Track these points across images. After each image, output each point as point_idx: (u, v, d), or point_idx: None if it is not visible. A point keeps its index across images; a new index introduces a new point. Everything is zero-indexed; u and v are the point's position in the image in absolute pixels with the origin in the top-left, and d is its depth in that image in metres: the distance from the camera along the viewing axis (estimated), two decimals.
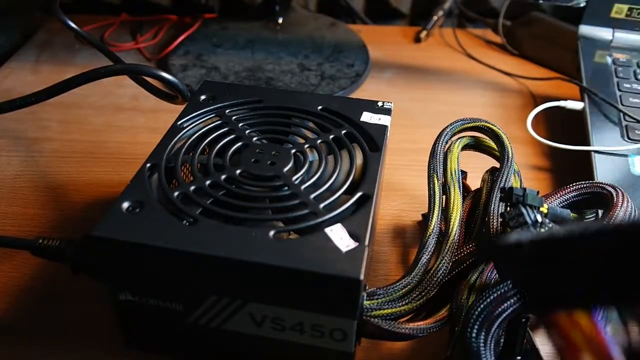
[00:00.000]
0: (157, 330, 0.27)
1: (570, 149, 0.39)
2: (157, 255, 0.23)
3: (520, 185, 0.30)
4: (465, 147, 0.32)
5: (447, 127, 0.32)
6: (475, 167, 0.32)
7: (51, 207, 0.37)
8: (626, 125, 0.41)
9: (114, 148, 0.43)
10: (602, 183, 0.28)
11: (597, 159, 0.37)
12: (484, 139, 0.32)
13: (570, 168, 0.41)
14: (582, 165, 0.38)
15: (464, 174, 0.32)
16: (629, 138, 0.39)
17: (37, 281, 0.32)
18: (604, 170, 0.36)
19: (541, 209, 0.23)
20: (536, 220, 0.22)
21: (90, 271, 0.27)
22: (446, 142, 0.31)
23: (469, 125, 0.31)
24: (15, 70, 0.52)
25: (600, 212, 0.29)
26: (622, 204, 0.25)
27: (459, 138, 0.32)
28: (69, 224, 0.35)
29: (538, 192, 0.24)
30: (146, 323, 0.27)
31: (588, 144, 0.39)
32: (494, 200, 0.27)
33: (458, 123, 0.32)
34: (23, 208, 0.37)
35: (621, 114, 0.41)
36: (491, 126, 0.31)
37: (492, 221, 0.26)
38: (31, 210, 0.36)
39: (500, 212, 0.26)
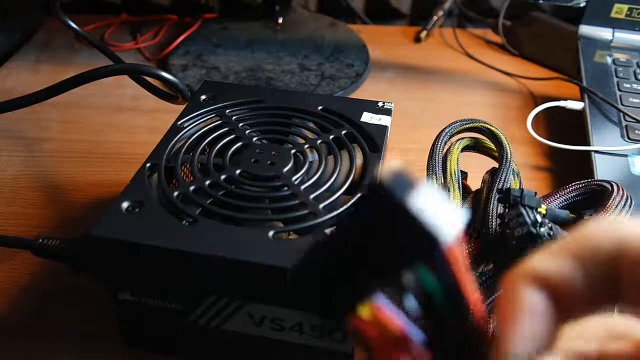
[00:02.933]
0: (157, 330, 0.27)
1: (570, 149, 0.39)
2: (156, 255, 0.23)
3: (520, 186, 0.30)
4: (464, 149, 0.32)
5: (445, 128, 0.32)
6: (477, 168, 0.32)
7: (51, 207, 0.37)
8: (626, 125, 0.41)
9: (114, 148, 0.43)
10: (598, 180, 0.28)
11: (597, 159, 0.37)
12: (482, 139, 0.32)
13: (570, 168, 0.41)
14: (582, 165, 0.38)
15: (464, 174, 0.32)
16: (629, 138, 0.39)
17: (38, 281, 0.32)
18: (604, 170, 0.36)
19: (539, 209, 0.23)
20: (536, 220, 0.22)
21: (90, 270, 0.27)
22: (445, 143, 0.31)
23: (467, 126, 0.32)
24: (15, 70, 0.52)
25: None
26: (617, 194, 0.26)
27: (458, 139, 0.32)
28: (69, 223, 0.35)
29: (536, 193, 0.24)
30: (146, 322, 0.27)
31: (588, 144, 0.39)
32: (492, 201, 0.27)
33: (456, 124, 0.32)
34: (23, 208, 0.37)
35: (621, 114, 0.41)
36: (489, 127, 0.31)
37: (491, 222, 0.26)
38: (31, 210, 0.36)
39: (499, 212, 0.26)
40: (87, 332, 0.29)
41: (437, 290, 0.13)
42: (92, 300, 0.30)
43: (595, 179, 0.29)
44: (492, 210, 0.26)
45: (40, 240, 0.28)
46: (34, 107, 0.37)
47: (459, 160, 0.31)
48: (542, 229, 0.22)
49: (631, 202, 0.26)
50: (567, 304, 0.12)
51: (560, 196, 0.29)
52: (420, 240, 0.12)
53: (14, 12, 0.57)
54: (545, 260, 0.12)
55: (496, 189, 0.27)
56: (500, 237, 0.25)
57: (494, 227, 0.26)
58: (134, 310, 0.26)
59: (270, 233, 0.24)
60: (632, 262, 0.12)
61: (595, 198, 0.28)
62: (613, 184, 0.27)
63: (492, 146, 0.32)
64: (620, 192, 0.26)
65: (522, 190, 0.23)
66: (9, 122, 0.44)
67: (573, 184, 0.29)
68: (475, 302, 0.13)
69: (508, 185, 0.29)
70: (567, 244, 0.13)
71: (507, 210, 0.24)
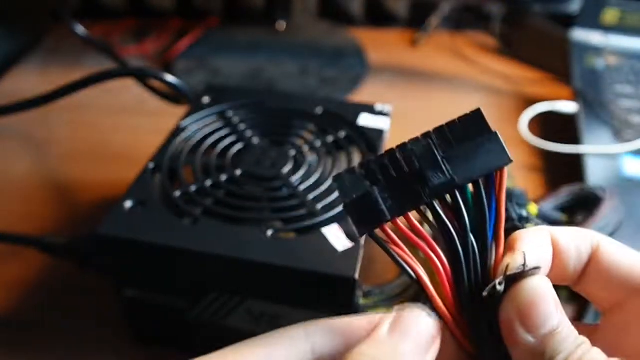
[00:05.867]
0: (161, 325, 0.28)
1: (563, 150, 0.40)
2: (158, 253, 0.24)
3: (513, 187, 0.31)
4: None
5: None
6: None
7: (60, 206, 0.38)
8: (618, 128, 0.41)
9: (120, 149, 0.44)
10: (592, 187, 0.29)
11: (589, 161, 0.38)
12: None
13: (562, 169, 0.41)
14: (574, 167, 0.39)
15: None
16: (620, 140, 0.40)
17: (46, 277, 0.32)
18: (596, 172, 0.37)
19: (529, 207, 0.24)
20: (521, 216, 0.23)
21: (96, 267, 0.28)
22: None
23: None
24: (24, 74, 0.53)
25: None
26: (609, 202, 0.27)
27: None
28: (77, 222, 0.36)
29: (525, 192, 0.25)
30: (150, 318, 0.28)
31: (580, 146, 0.40)
32: None
33: None
34: (33, 207, 0.38)
35: (613, 117, 0.42)
36: None
37: None
38: (41, 209, 0.37)
39: None
40: (94, 328, 0.30)
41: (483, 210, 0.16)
42: (100, 296, 0.31)
43: (589, 184, 0.30)
44: None
45: (48, 238, 0.29)
46: (42, 110, 0.38)
47: None
48: (529, 225, 0.23)
49: (621, 211, 0.27)
50: (557, 265, 0.17)
51: (554, 199, 0.30)
52: (496, 154, 0.15)
53: (22, 17, 0.59)
54: (562, 232, 0.17)
55: None
56: None
57: None
58: (139, 306, 0.27)
59: (269, 232, 0.24)
60: (599, 263, 0.17)
61: (588, 202, 0.29)
62: (606, 192, 0.28)
63: None
64: (612, 201, 0.27)
65: (510, 188, 0.24)
66: (18, 124, 0.45)
67: (567, 187, 0.30)
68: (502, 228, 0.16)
69: None
70: (575, 234, 0.17)
71: None
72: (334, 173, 0.29)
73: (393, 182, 0.15)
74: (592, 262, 0.17)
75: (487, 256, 0.15)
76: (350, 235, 0.24)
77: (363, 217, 0.15)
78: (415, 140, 0.16)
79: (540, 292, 0.15)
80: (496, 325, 0.15)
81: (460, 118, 0.16)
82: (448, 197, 0.16)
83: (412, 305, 0.15)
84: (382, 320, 0.15)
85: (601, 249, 0.17)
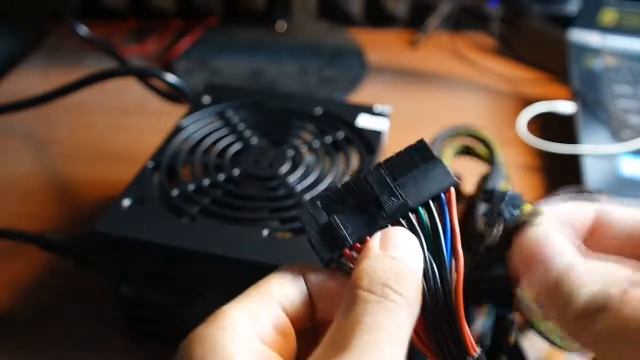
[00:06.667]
0: (157, 324, 0.28)
1: (561, 151, 0.40)
2: (155, 251, 0.24)
3: (512, 188, 0.31)
4: (458, 154, 0.33)
5: (438, 134, 0.33)
6: (474, 172, 0.33)
7: (60, 205, 0.38)
8: (616, 128, 0.41)
9: (121, 149, 0.44)
10: (588, 191, 0.29)
11: (587, 161, 0.38)
12: (475, 145, 0.33)
13: (561, 169, 0.42)
14: (572, 167, 0.39)
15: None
16: (618, 140, 0.40)
17: (46, 274, 0.33)
18: (594, 172, 0.37)
19: (524, 209, 0.24)
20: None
21: (93, 265, 0.29)
22: (438, 149, 0.32)
23: (460, 132, 0.33)
24: (26, 75, 0.53)
25: None
26: None
27: (451, 144, 0.33)
28: (77, 222, 0.37)
29: (521, 194, 0.25)
30: (146, 316, 0.28)
31: (579, 146, 0.40)
32: (480, 202, 0.28)
33: (450, 130, 0.33)
34: (34, 206, 0.38)
35: (611, 117, 0.42)
36: (482, 133, 0.32)
37: (477, 222, 0.27)
38: (42, 209, 0.38)
39: (483, 213, 0.27)
40: (94, 327, 0.30)
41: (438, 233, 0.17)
42: (100, 296, 0.31)
43: (587, 187, 0.30)
44: (478, 211, 0.27)
45: (47, 235, 0.30)
46: (43, 109, 0.38)
47: (449, 164, 0.32)
48: None
49: None
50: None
51: (550, 202, 0.30)
52: (443, 178, 0.17)
53: (24, 18, 0.59)
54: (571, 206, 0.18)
55: (483, 190, 0.28)
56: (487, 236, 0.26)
57: (480, 226, 0.27)
58: (135, 303, 0.27)
59: (265, 232, 0.25)
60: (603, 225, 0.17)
61: None
62: (604, 195, 0.28)
63: (484, 152, 0.33)
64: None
65: (506, 191, 0.24)
66: (20, 123, 0.46)
67: (564, 191, 0.30)
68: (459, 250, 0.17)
69: (498, 188, 0.30)
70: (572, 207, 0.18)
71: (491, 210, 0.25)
72: (332, 174, 0.29)
73: (352, 210, 0.17)
74: (596, 226, 0.17)
75: (446, 273, 0.16)
76: None
77: (326, 245, 0.17)
78: (368, 171, 0.17)
79: (551, 234, 0.16)
80: (462, 343, 0.16)
81: (407, 149, 0.17)
82: (405, 221, 0.17)
83: (391, 227, 0.17)
84: (369, 243, 0.16)
85: (602, 212, 0.18)
